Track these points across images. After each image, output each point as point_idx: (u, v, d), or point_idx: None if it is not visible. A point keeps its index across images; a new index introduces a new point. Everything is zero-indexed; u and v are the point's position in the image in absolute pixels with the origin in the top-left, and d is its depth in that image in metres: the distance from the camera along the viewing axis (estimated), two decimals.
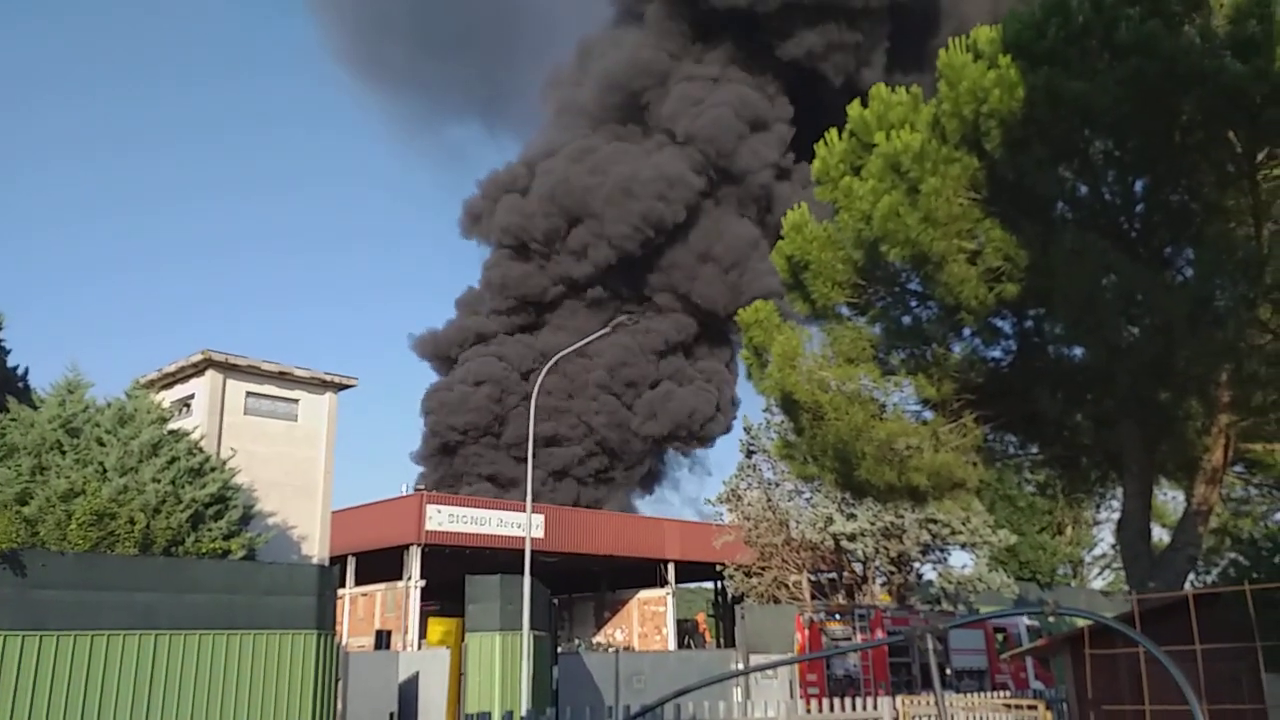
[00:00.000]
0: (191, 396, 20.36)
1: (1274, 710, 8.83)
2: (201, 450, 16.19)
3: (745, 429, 29.45)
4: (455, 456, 46.99)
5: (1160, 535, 16.86)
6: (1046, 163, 10.43)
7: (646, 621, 39.46)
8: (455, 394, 46.65)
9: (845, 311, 13.46)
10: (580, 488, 47.39)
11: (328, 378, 21.62)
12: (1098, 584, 44.82)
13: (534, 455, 18.68)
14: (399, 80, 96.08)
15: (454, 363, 49.40)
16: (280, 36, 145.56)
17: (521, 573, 16.02)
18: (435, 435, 47.14)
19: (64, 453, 14.42)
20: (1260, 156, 9.66)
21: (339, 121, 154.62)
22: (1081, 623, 11.58)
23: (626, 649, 35.21)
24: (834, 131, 12.64)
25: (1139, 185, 10.99)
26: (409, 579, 30.56)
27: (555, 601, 20.64)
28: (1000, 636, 22.49)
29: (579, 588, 42.52)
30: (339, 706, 13.28)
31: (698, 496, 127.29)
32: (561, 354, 22.21)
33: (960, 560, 30.80)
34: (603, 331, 20.95)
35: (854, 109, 12.22)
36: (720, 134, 48.42)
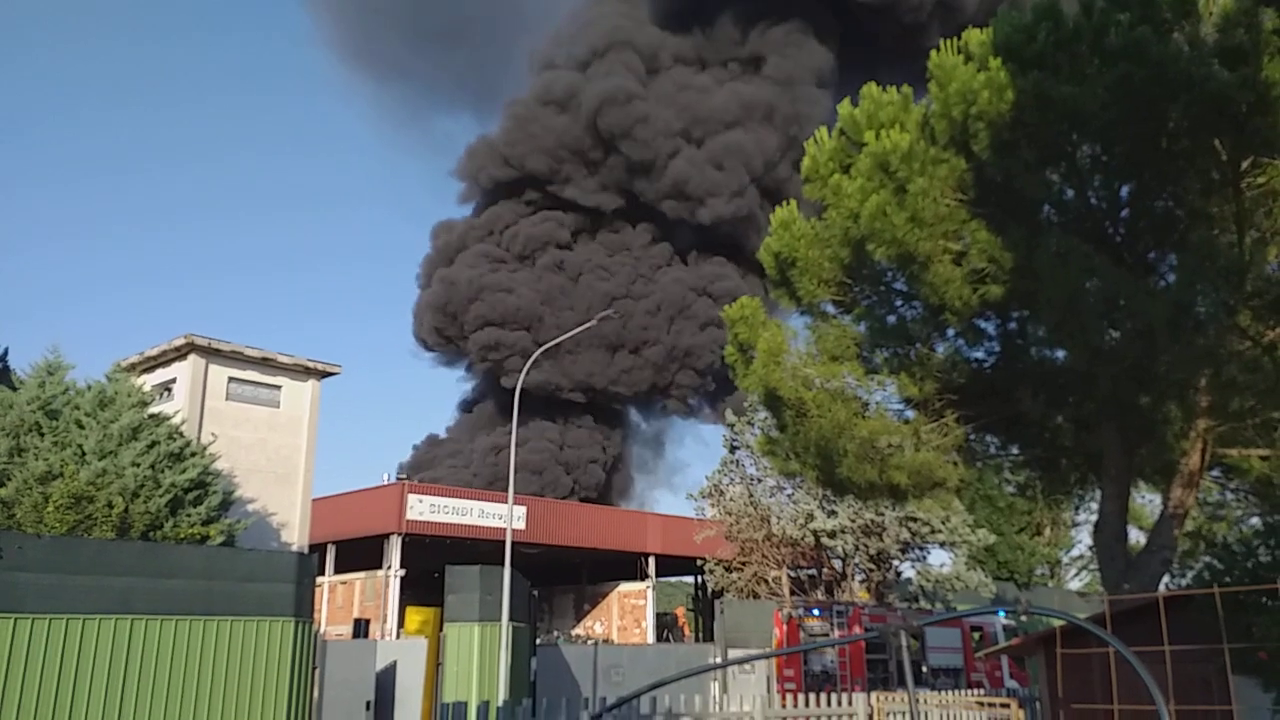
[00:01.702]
0: (173, 380, 20.24)
1: (1241, 712, 8.94)
2: (182, 435, 16.12)
3: (729, 425, 29.53)
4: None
5: (1137, 538, 17.04)
6: (1034, 166, 10.47)
7: (626, 614, 39.54)
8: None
9: (831, 309, 13.50)
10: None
11: (311, 364, 21.53)
12: (1074, 585, 45.28)
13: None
14: (390, 69, 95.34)
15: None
16: (269, 19, 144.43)
17: (502, 563, 16.02)
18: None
19: (42, 435, 14.33)
20: (1245, 165, 9.73)
21: (331, 111, 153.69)
22: (1055, 623, 11.68)
23: (605, 641, 35.27)
24: (824, 129, 12.66)
25: (1125, 190, 11.05)
26: (389, 568, 30.51)
27: (535, 593, 20.65)
28: (977, 635, 22.68)
29: (559, 580, 42.55)
30: (315, 694, 13.25)
31: (688, 464, 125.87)
32: (550, 343, 22.20)
33: (939, 559, 31.06)
34: (588, 324, 20.96)
35: (844, 107, 12.24)
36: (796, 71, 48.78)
